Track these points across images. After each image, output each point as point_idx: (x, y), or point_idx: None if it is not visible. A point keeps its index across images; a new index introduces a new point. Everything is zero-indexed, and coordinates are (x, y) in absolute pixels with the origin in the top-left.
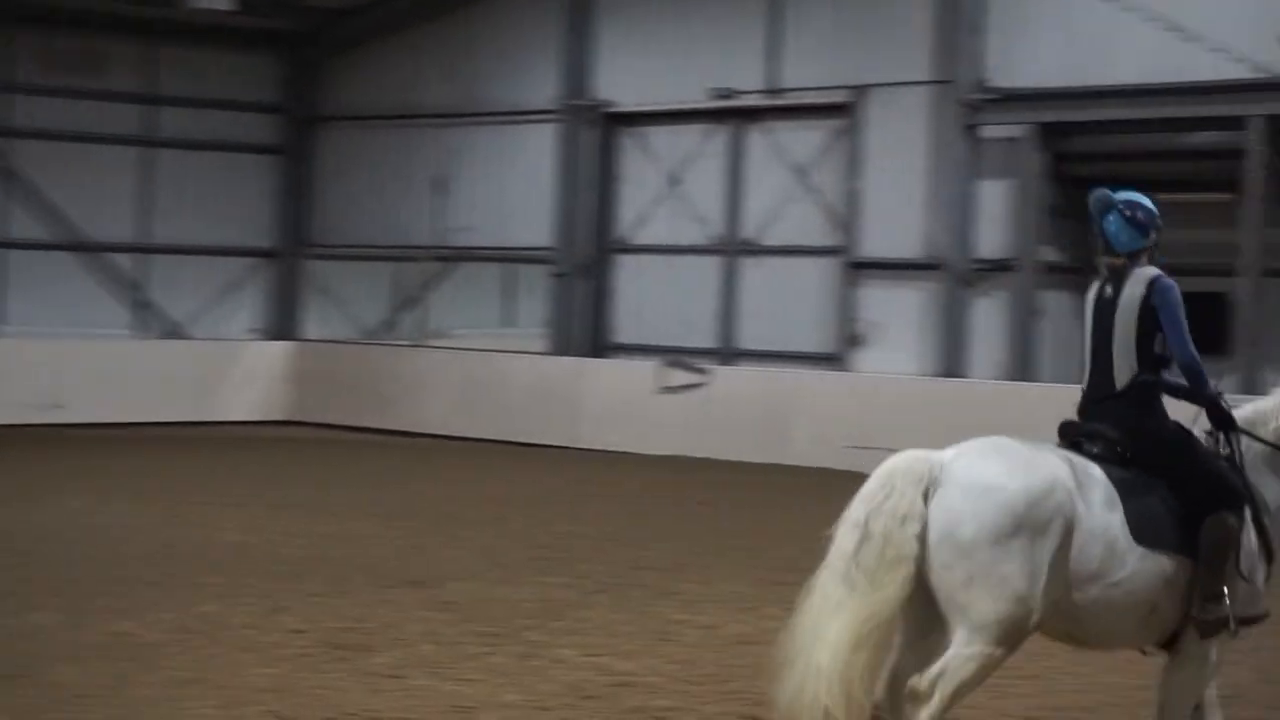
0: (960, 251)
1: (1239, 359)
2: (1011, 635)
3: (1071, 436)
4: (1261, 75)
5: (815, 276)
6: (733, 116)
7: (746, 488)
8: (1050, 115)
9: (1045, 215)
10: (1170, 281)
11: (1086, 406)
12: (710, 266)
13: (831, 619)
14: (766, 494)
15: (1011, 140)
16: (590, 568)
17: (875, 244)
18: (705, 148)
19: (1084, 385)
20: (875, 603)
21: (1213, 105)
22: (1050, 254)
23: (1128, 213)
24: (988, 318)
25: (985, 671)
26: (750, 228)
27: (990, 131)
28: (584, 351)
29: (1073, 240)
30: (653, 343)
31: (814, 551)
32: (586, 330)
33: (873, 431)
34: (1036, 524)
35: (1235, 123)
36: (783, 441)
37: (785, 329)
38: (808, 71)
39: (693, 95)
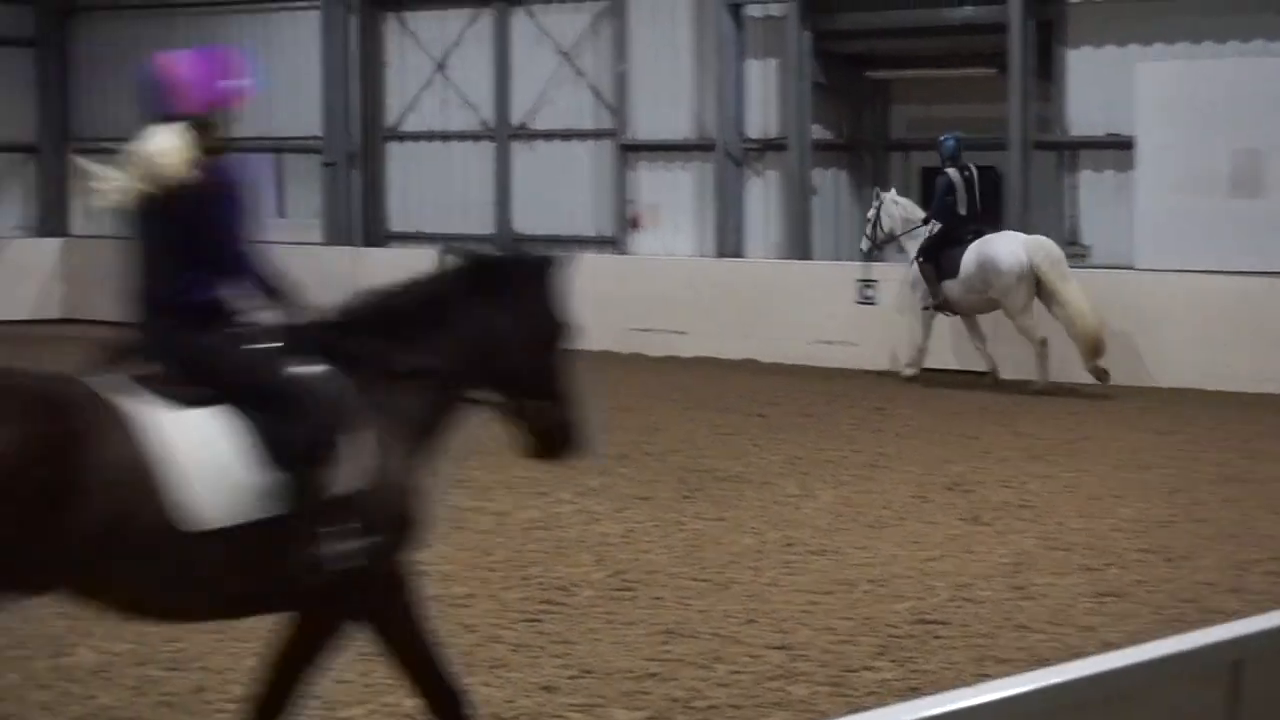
0: (731, 132)
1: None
2: None
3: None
4: None
5: (588, 160)
6: (497, 0)
7: None
8: None
9: (813, 93)
10: None
11: (972, 226)
12: (482, 152)
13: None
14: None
15: (776, 19)
16: None
17: (647, 126)
18: (471, 32)
19: (965, 216)
20: None
21: None
22: (820, 132)
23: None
24: (761, 197)
25: None
26: (520, 112)
27: (754, 10)
28: (359, 241)
29: (840, 118)
30: (427, 230)
31: (603, 434)
32: (360, 220)
33: (652, 313)
34: None
35: None
36: None
37: (561, 213)
38: None
39: None
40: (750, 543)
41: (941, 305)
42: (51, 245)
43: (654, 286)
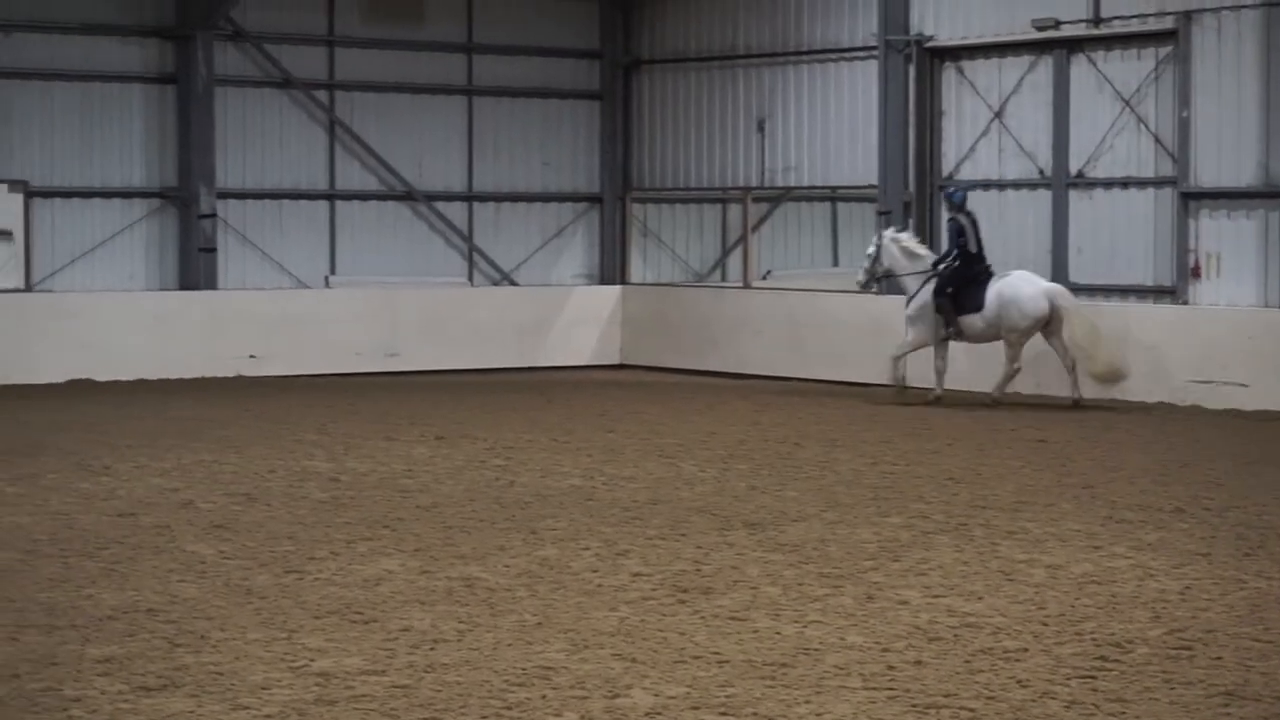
0: None
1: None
2: None
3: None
4: None
5: (1147, 208)
6: (1056, 47)
7: (1083, 424)
8: None
9: None
10: None
11: (984, 265)
12: (1038, 201)
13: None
14: (1104, 430)
15: None
16: (928, 507)
17: (1209, 173)
18: (1028, 80)
19: (976, 254)
20: None
21: None
22: None
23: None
24: None
25: None
26: (1078, 160)
27: None
28: None
29: None
30: None
31: (1159, 488)
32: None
33: (1212, 365)
34: None
35: None
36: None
37: (1118, 262)
38: None
39: (1014, 26)
40: None
41: (953, 335)
42: (611, 292)
43: (1214, 337)
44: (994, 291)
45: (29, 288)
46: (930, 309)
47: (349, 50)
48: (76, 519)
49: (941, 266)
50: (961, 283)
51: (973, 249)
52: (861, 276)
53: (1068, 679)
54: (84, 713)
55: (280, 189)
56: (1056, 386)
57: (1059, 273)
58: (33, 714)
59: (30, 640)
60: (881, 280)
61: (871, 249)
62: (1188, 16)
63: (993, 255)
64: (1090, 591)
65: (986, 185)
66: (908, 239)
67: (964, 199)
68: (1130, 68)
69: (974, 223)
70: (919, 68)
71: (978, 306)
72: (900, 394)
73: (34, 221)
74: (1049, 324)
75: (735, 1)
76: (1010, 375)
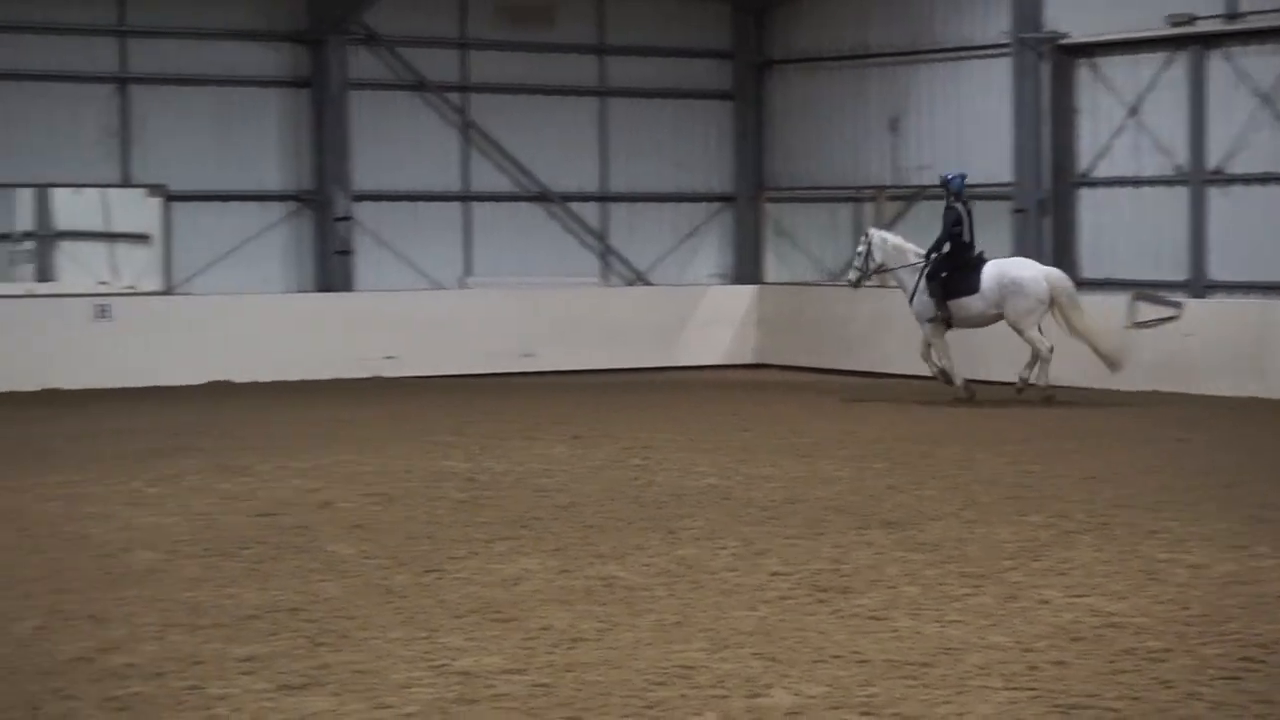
0: None
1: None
2: None
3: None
4: None
5: None
6: (1192, 43)
7: (1224, 422)
8: None
9: None
10: None
11: (976, 252)
12: (1175, 197)
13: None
14: (1246, 428)
15: None
16: (1068, 506)
17: None
18: (1165, 76)
19: (968, 243)
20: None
21: None
22: None
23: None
24: None
25: None
26: (1216, 156)
27: None
28: None
29: None
30: (1118, 277)
31: None
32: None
33: None
34: None
35: None
36: (1260, 374)
37: (1258, 259)
38: None
39: (1149, 22)
40: None
41: (943, 318)
42: (746, 292)
43: None
44: (992, 274)
45: (169, 291)
46: (928, 304)
47: (481, 53)
48: (218, 519)
49: (934, 255)
50: (953, 268)
51: (966, 238)
52: (852, 275)
53: (1212, 680)
54: (228, 711)
55: (414, 191)
56: (1198, 382)
57: (1197, 270)
58: (178, 712)
59: (175, 639)
60: (872, 276)
61: (862, 247)
62: None
63: (1129, 252)
64: (1234, 591)
65: (1122, 182)
66: (894, 237)
67: (962, 186)
68: (1266, 63)
69: (969, 212)
70: (1053, 65)
71: (972, 289)
72: (965, 390)
73: (173, 225)
74: (1055, 310)
75: (868, 1)
76: (1045, 362)
